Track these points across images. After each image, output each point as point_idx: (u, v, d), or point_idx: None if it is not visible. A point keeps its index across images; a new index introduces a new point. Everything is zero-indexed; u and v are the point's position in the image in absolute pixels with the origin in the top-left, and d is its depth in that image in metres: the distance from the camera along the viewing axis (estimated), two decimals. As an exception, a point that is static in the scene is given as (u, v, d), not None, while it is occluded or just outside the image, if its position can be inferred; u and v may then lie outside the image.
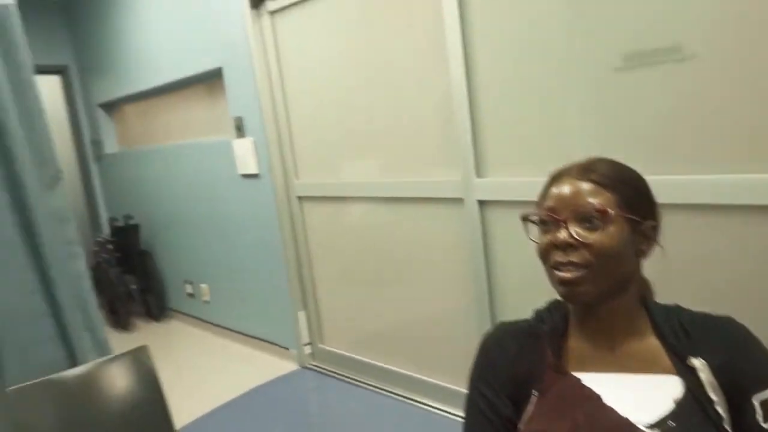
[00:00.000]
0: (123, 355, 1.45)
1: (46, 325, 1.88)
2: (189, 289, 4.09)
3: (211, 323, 3.94)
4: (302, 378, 3.11)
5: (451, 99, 2.10)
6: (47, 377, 1.37)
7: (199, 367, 3.46)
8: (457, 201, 2.18)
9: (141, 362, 1.45)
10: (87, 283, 2.00)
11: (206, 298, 3.93)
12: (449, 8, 2.01)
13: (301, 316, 3.17)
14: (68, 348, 1.94)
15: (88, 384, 1.41)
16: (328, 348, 3.11)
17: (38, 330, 1.88)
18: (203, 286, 3.93)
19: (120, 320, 4.19)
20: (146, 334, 4.10)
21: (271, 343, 3.41)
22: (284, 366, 3.22)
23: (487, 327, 2.08)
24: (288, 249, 3.11)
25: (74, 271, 1.95)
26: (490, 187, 2.06)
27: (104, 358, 1.47)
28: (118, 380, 1.43)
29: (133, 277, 4.32)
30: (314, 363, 3.18)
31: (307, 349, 3.19)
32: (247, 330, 3.61)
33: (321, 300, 3.12)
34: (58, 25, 4.49)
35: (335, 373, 3.02)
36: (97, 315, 2.01)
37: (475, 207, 2.11)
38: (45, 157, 1.85)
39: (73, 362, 1.95)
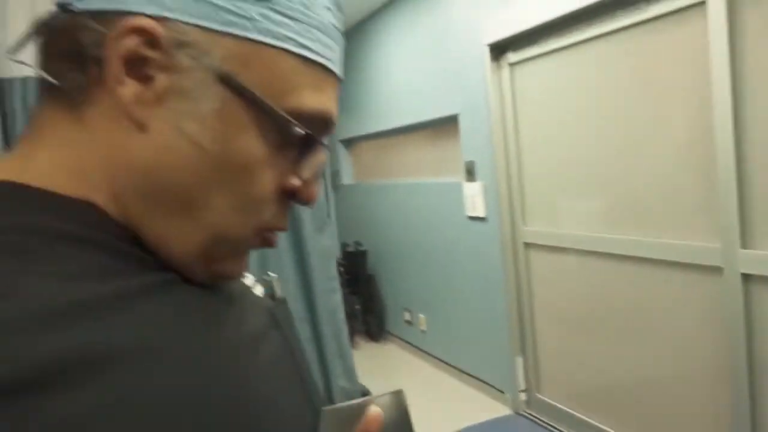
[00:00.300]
0: (381, 396, 1.61)
1: (309, 349, 2.17)
2: (407, 316, 4.34)
3: (427, 353, 4.12)
4: (516, 425, 3.09)
5: (712, 156, 1.94)
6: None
7: (412, 395, 3.64)
8: (714, 270, 2.00)
9: (397, 404, 1.59)
10: (341, 316, 2.26)
11: (423, 327, 4.13)
12: (717, 53, 1.88)
13: (519, 361, 3.16)
14: (324, 371, 2.21)
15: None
16: (544, 398, 3.05)
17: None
18: (421, 315, 4.14)
19: (344, 337, 4.61)
20: (366, 353, 4.45)
21: (486, 383, 3.45)
22: (498, 409, 3.24)
23: (745, 414, 1.87)
24: (510, 293, 3.13)
25: (333, 304, 2.22)
26: (758, 260, 1.85)
27: (369, 398, 1.64)
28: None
29: (358, 298, 4.73)
30: (529, 411, 3.14)
31: (523, 396, 3.17)
32: (462, 366, 3.70)
33: (540, 347, 3.08)
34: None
35: (550, 425, 2.95)
36: (348, 344, 2.25)
37: (738, 280, 1.91)
38: (319, 203, 2.15)
39: (327, 385, 2.21)
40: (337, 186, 5.25)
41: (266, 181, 0.42)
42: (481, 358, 3.49)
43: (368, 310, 4.72)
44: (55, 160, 0.39)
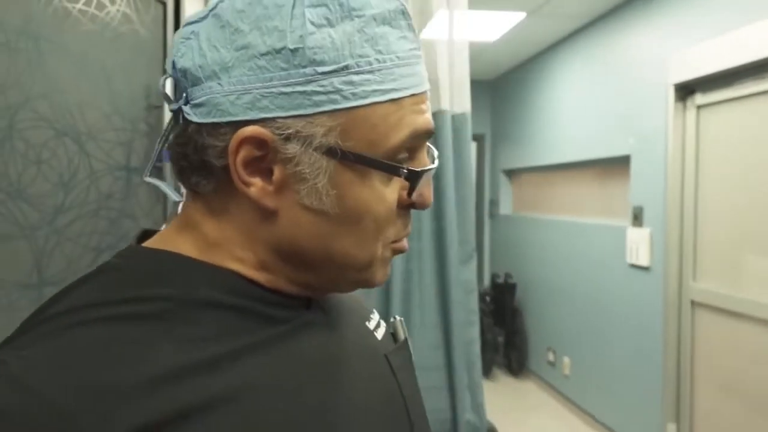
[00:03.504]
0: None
1: (440, 377, 2.19)
2: (551, 357, 4.15)
3: (568, 399, 3.90)
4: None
5: None
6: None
7: (548, 441, 3.47)
8: None
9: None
10: (477, 349, 2.25)
11: (567, 372, 3.92)
12: None
13: (671, 428, 2.87)
14: (452, 401, 2.21)
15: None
16: (697, 478, 2.73)
17: (434, 379, 2.20)
18: (566, 359, 3.93)
19: (482, 366, 4.53)
20: (502, 387, 4.33)
21: (630, 445, 3.17)
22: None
23: None
24: (669, 354, 2.85)
25: (469, 336, 2.22)
26: None
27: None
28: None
29: (501, 329, 4.63)
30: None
31: (671, 469, 2.86)
32: (605, 420, 3.44)
33: (698, 418, 2.76)
34: (483, 99, 5.19)
35: None
36: (479, 379, 2.23)
37: None
38: (467, 237, 2.17)
39: (453, 415, 2.21)
40: (493, 215, 5.21)
41: (383, 213, 0.47)
42: (627, 415, 3.22)
43: (511, 344, 4.59)
44: (200, 238, 0.48)
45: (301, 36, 0.42)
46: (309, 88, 0.43)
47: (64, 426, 0.36)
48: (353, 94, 0.43)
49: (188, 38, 0.46)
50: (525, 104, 4.55)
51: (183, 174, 0.48)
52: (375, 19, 0.44)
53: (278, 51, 0.42)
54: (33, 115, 0.95)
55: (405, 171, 0.46)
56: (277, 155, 0.44)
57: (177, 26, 1.23)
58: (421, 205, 0.50)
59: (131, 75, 1.16)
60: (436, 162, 0.51)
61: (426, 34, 2.18)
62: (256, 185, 0.44)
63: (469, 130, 2.12)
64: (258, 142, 0.43)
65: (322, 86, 0.43)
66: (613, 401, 3.36)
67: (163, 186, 0.51)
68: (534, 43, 4.06)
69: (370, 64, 0.44)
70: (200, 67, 0.44)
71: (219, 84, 0.44)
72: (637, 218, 3.08)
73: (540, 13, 3.40)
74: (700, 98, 2.67)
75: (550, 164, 4.14)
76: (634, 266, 3.12)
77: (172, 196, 0.51)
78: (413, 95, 0.46)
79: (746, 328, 2.44)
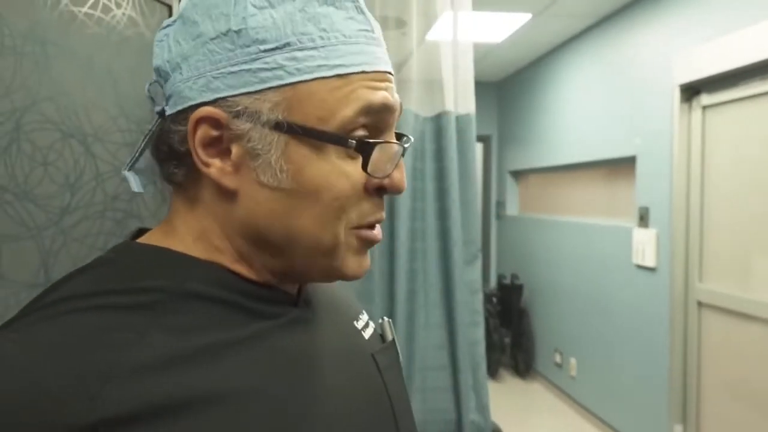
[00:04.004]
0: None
1: (444, 377, 2.19)
2: (557, 358, 4.14)
3: (575, 400, 3.89)
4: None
5: None
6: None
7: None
8: None
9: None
10: (481, 349, 2.25)
11: (573, 373, 3.91)
12: None
13: (678, 429, 2.85)
14: (456, 402, 2.22)
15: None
16: (704, 479, 2.71)
17: (438, 379, 2.21)
18: (572, 360, 3.92)
19: (489, 367, 4.53)
20: (509, 388, 4.33)
21: (636, 447, 3.16)
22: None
23: None
24: (675, 355, 2.84)
25: (474, 337, 2.22)
26: None
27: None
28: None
29: (508, 331, 4.62)
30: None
31: (678, 471, 2.85)
32: (611, 421, 3.43)
33: (704, 419, 2.75)
34: (489, 100, 5.19)
35: None
36: (484, 380, 2.23)
37: None
38: (471, 237, 2.17)
39: (458, 416, 2.21)
40: (500, 216, 5.21)
41: (343, 191, 0.47)
42: (633, 417, 3.21)
43: (517, 345, 4.59)
44: (185, 233, 0.50)
45: (243, 18, 0.45)
46: (254, 66, 0.45)
47: (50, 406, 0.37)
48: (297, 69, 0.45)
49: (161, 40, 0.49)
50: (531, 105, 4.54)
51: (162, 168, 0.50)
52: (317, 0, 0.46)
53: (225, 34, 0.45)
54: (39, 117, 0.97)
55: (353, 142, 0.46)
56: (231, 133, 0.46)
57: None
58: (391, 188, 0.49)
59: (137, 77, 1.17)
60: (407, 145, 0.50)
61: (431, 35, 2.19)
62: (215, 165, 0.46)
63: (473, 131, 2.12)
64: (212, 121, 0.45)
65: (266, 63, 0.45)
66: (620, 402, 3.35)
67: (131, 178, 0.53)
68: (540, 44, 4.06)
69: (313, 41, 0.45)
70: (168, 62, 0.48)
71: (180, 74, 0.47)
72: (643, 219, 3.07)
73: (546, 14, 3.40)
74: (705, 99, 2.66)
75: (556, 165, 4.14)
76: (640, 267, 3.11)
77: (134, 187, 0.53)
78: (364, 72, 0.47)
79: (753, 329, 2.43)
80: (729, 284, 2.57)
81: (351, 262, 0.50)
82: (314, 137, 0.45)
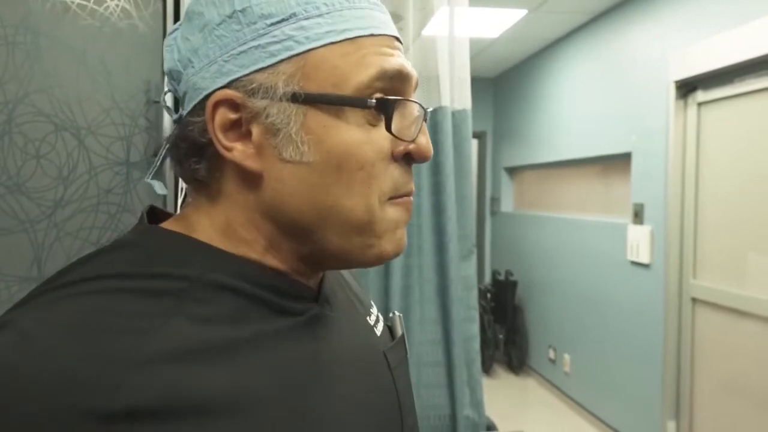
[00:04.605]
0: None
1: (439, 373, 2.19)
2: (551, 354, 4.16)
3: (569, 396, 3.90)
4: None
5: None
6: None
7: (548, 438, 3.48)
8: None
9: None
10: (476, 345, 2.25)
11: (567, 369, 3.92)
12: None
13: (671, 426, 2.87)
14: (451, 397, 2.22)
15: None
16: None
17: (433, 375, 2.21)
18: (566, 356, 3.93)
19: (483, 363, 4.53)
20: (503, 384, 4.34)
21: (629, 443, 3.18)
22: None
23: None
24: (669, 351, 2.85)
25: (468, 332, 2.22)
26: None
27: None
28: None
29: (502, 327, 4.63)
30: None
31: (671, 466, 2.86)
32: (605, 417, 3.45)
33: (698, 415, 2.76)
34: (485, 96, 5.19)
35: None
36: (479, 376, 2.23)
37: None
38: (467, 233, 2.17)
39: (452, 411, 2.21)
40: (494, 212, 5.21)
41: (369, 158, 0.45)
42: (627, 412, 3.23)
43: (511, 341, 4.60)
44: (210, 225, 0.48)
45: None
46: (263, 41, 0.44)
47: (77, 392, 0.36)
48: (306, 38, 0.45)
49: (170, 45, 0.49)
50: (526, 101, 4.54)
51: (182, 167, 0.49)
52: None
53: (230, 16, 0.45)
54: (32, 109, 0.95)
55: (372, 101, 0.45)
56: (249, 112, 0.45)
57: (177, 20, 1.24)
58: (418, 155, 0.48)
59: (130, 70, 1.16)
60: (427, 114, 0.49)
61: (427, 30, 2.18)
62: (236, 148, 0.46)
63: (469, 127, 2.12)
64: (229, 103, 0.45)
65: (275, 36, 0.44)
66: (613, 398, 3.36)
67: (155, 183, 0.52)
68: (535, 39, 4.06)
69: (318, 8, 0.45)
70: (178, 61, 0.48)
71: (192, 67, 0.47)
72: (638, 215, 3.07)
73: (541, 10, 3.40)
74: (701, 95, 2.67)
75: (552, 161, 4.14)
76: (634, 263, 3.12)
77: (159, 190, 0.52)
78: (373, 35, 0.47)
79: (746, 326, 2.44)
80: (723, 281, 2.58)
81: (390, 238, 0.48)
82: (331, 102, 0.45)
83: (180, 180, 1.26)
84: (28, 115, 0.95)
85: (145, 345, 0.38)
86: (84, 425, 0.35)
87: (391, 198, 0.48)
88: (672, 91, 2.77)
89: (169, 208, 1.21)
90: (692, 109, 2.73)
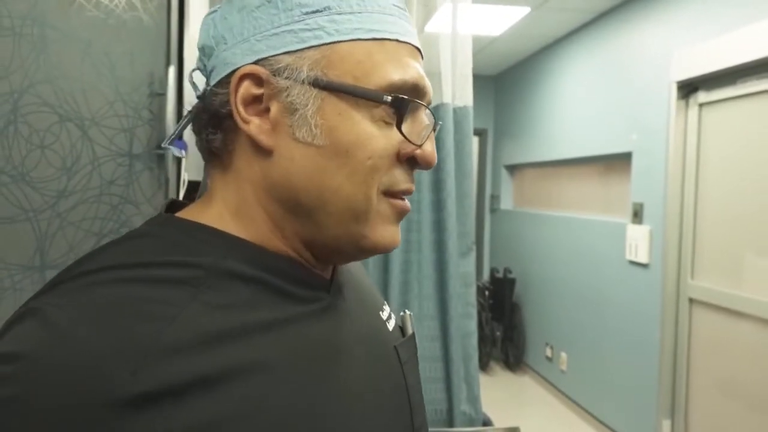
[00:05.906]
0: (499, 429, 1.60)
1: (437, 368, 2.21)
2: (548, 352, 4.17)
3: (564, 393, 3.92)
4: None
5: None
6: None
7: (544, 435, 3.50)
8: None
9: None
10: (474, 341, 2.26)
11: (563, 367, 3.94)
12: None
13: (666, 425, 2.89)
14: (448, 393, 2.23)
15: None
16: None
17: (430, 370, 2.22)
18: (563, 354, 3.95)
19: (480, 359, 4.55)
20: (499, 381, 4.36)
21: (624, 441, 3.19)
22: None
23: None
24: (665, 351, 2.87)
25: (466, 329, 2.23)
26: None
27: (487, 429, 1.64)
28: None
29: (499, 324, 4.65)
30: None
31: (665, 465, 2.88)
32: (600, 415, 3.47)
33: (692, 415, 2.78)
34: (486, 94, 5.19)
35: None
36: (476, 372, 2.25)
37: None
38: (466, 230, 2.18)
39: (449, 406, 2.23)
40: (494, 210, 5.22)
41: (376, 150, 0.48)
42: (623, 411, 3.24)
43: (508, 339, 4.61)
44: (223, 209, 0.51)
45: None
46: (296, 27, 0.47)
47: (98, 378, 0.37)
48: (336, 30, 0.48)
49: (207, 23, 0.52)
50: (527, 99, 4.54)
51: (199, 137, 0.52)
52: None
53: (269, 1, 0.48)
54: (37, 100, 0.96)
55: (388, 97, 0.47)
56: (271, 89, 0.48)
57: (181, 14, 1.24)
58: (422, 160, 0.50)
59: (135, 62, 1.17)
60: (437, 126, 0.52)
61: (430, 27, 2.18)
62: (253, 122, 0.48)
63: (470, 124, 2.12)
64: (254, 77, 0.48)
65: (307, 25, 0.47)
66: (609, 397, 3.38)
67: (175, 150, 0.55)
68: (538, 38, 4.06)
69: (351, 7, 0.48)
70: (213, 37, 0.51)
71: (225, 44, 0.50)
72: (637, 215, 3.08)
73: (544, 8, 3.40)
74: (702, 96, 2.67)
75: (552, 160, 4.15)
76: (633, 263, 3.13)
77: (177, 153, 0.55)
78: (399, 41, 0.50)
79: (743, 326, 2.46)
80: (721, 281, 2.59)
81: (382, 231, 0.50)
82: (350, 92, 0.47)
83: (181, 171, 1.26)
84: (33, 105, 0.96)
85: (163, 332, 0.40)
86: (104, 410, 0.37)
87: (388, 193, 0.50)
88: (674, 91, 2.77)
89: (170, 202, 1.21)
90: (693, 110, 2.74)
